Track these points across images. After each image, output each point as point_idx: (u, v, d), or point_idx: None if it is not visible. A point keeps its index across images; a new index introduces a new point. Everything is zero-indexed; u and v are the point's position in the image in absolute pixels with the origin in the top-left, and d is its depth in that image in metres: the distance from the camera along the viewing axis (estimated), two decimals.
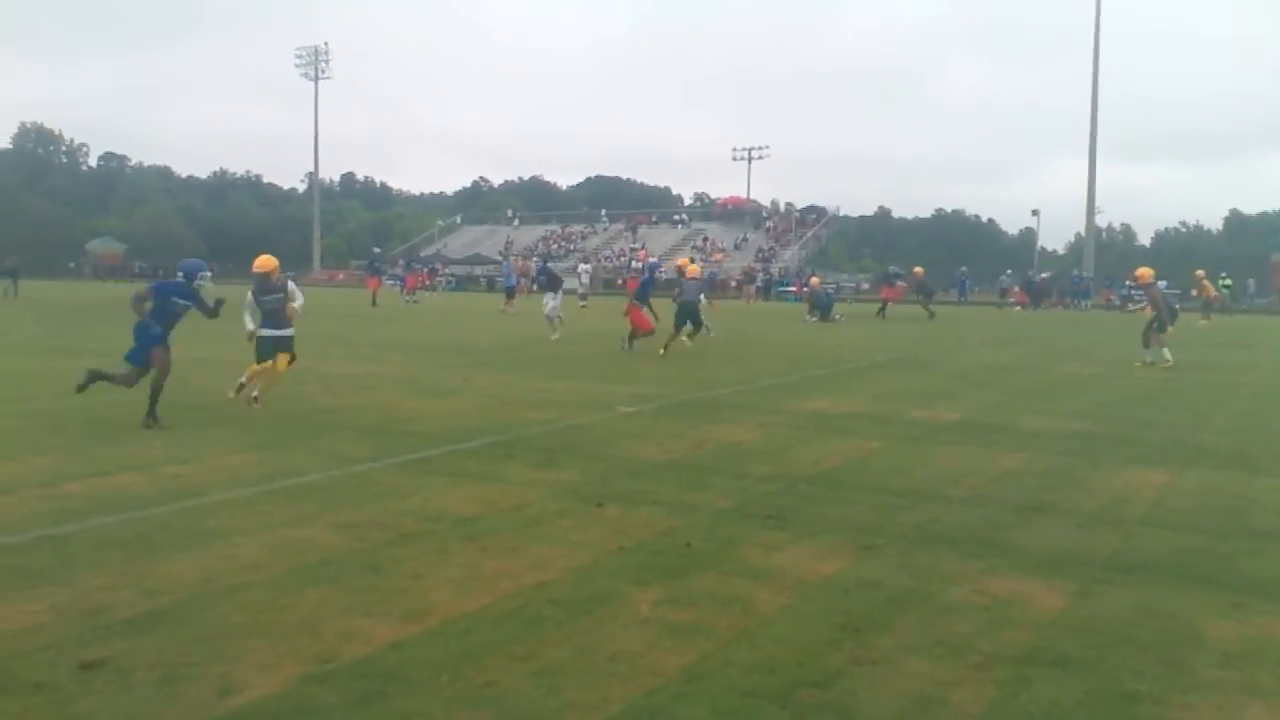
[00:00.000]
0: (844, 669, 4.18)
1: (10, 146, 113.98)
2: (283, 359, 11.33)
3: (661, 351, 18.15)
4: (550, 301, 23.29)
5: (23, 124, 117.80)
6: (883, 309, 36.89)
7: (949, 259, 72.98)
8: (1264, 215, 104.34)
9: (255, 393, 11.44)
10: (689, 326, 19.31)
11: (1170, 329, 18.47)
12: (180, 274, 10.50)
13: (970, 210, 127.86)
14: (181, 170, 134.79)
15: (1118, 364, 18.71)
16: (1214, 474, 8.42)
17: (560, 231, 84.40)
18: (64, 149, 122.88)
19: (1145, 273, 19.11)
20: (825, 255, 76.08)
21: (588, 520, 6.54)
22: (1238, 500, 7.47)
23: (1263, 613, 4.99)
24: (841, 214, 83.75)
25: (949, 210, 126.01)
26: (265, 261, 11.54)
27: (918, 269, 41.77)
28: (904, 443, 9.72)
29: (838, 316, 34.25)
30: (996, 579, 5.43)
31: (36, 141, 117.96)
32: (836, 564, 5.66)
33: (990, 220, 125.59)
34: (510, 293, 36.89)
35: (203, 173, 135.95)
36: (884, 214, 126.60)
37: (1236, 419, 11.90)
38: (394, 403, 11.96)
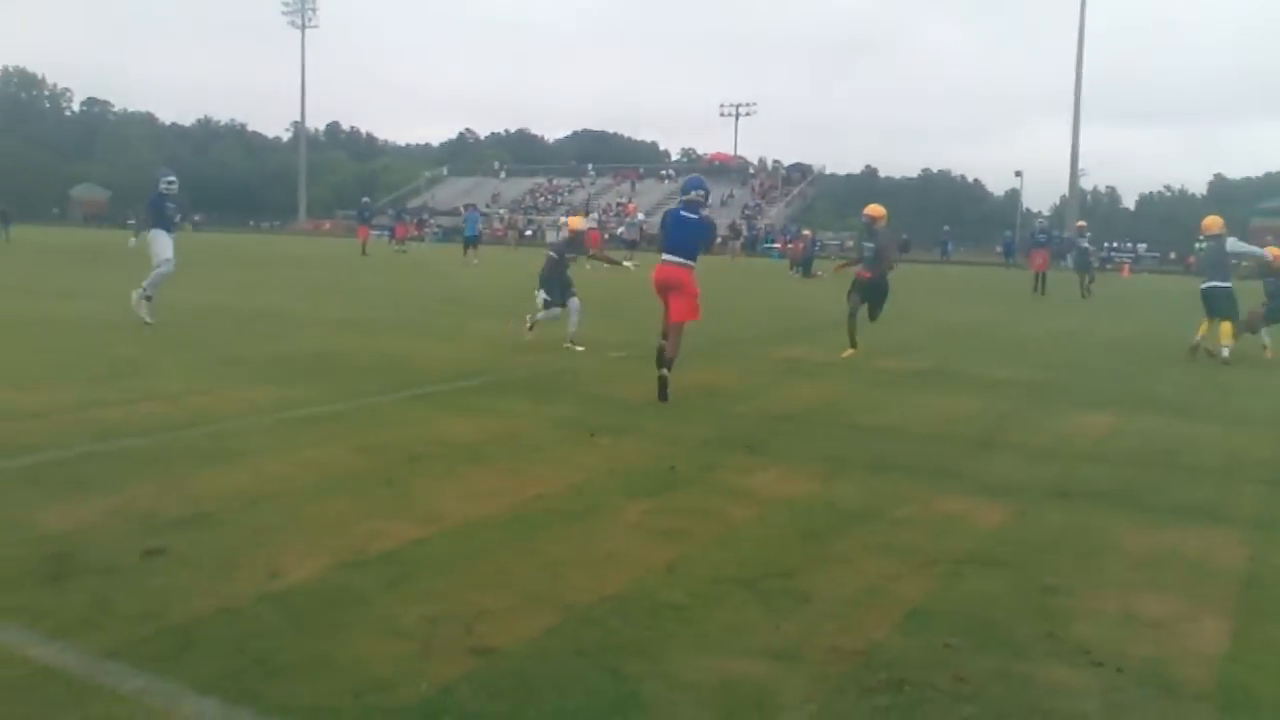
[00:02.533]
0: (803, 565, 4.85)
1: None
2: None
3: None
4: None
5: (4, 68, 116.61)
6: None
7: (936, 219, 73.62)
8: (1247, 180, 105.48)
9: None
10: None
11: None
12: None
13: (957, 171, 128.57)
14: (165, 117, 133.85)
15: (1093, 320, 19.41)
16: (1158, 419, 9.14)
17: (547, 184, 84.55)
18: (47, 94, 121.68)
19: (1214, 221, 14.13)
20: (812, 213, 76.60)
21: (581, 448, 7.18)
22: (1175, 441, 8.17)
23: (1177, 529, 5.68)
24: (828, 172, 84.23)
25: (935, 171, 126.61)
26: None
27: (807, 231, 42.25)
28: (873, 387, 10.42)
29: (819, 273, 34.86)
30: (945, 499, 6.10)
31: (19, 86, 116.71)
32: (804, 486, 6.32)
33: (976, 181, 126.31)
34: (470, 243, 36.77)
35: (187, 121, 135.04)
36: (870, 173, 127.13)
37: (1188, 373, 12.62)
38: (392, 346, 12.55)
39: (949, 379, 11.21)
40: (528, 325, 13.02)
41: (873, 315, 13.21)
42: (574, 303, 12.85)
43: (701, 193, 9.54)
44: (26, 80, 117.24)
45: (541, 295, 13.11)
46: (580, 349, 12.40)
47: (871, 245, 13.01)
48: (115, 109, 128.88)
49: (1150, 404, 9.97)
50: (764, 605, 4.32)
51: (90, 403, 8.15)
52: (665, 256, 9.25)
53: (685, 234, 9.21)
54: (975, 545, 5.26)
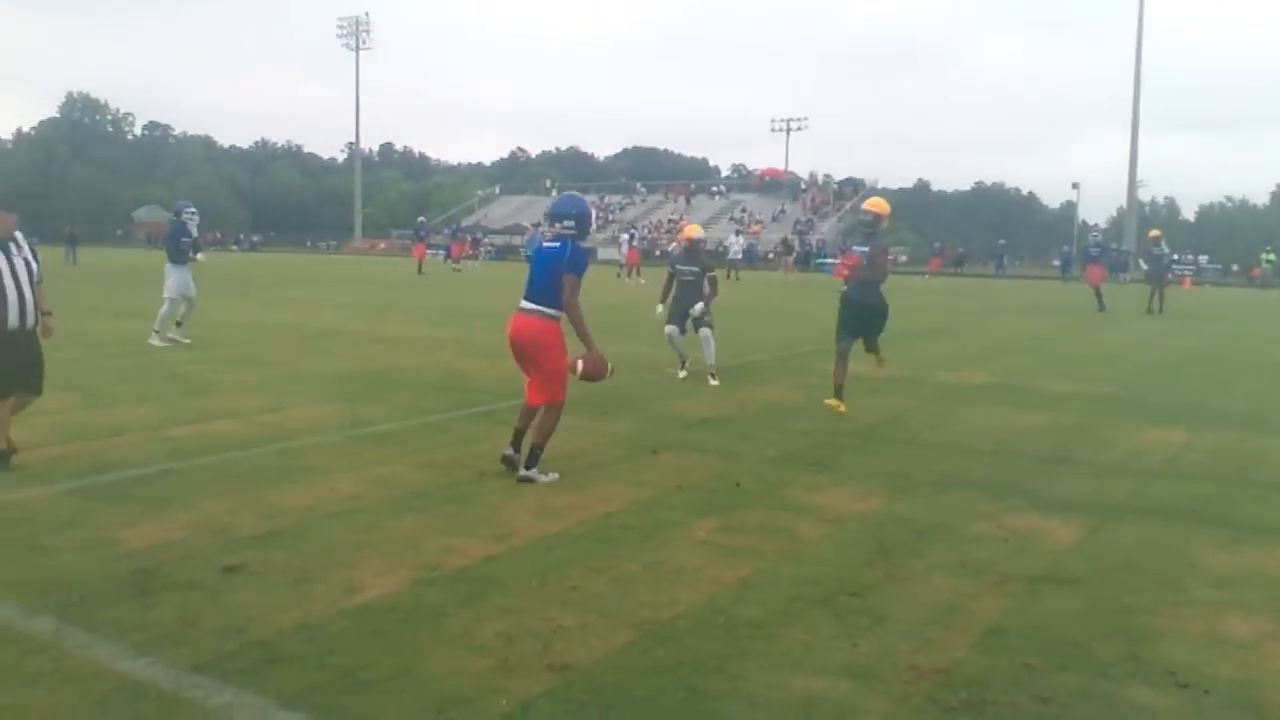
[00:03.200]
0: (878, 583, 4.82)
1: (58, 115, 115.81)
2: None
3: None
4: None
5: (70, 93, 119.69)
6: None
7: (989, 232, 72.84)
8: None
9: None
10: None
11: None
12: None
13: (1010, 183, 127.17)
14: (223, 140, 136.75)
15: (1151, 334, 19.09)
16: (1229, 434, 8.95)
17: (598, 202, 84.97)
18: (109, 118, 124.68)
19: None
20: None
21: (645, 464, 7.21)
22: (1247, 456, 7.99)
23: (1256, 547, 5.56)
24: (880, 186, 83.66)
25: (989, 183, 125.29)
26: None
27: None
28: (934, 402, 10.33)
29: None
30: (1016, 517, 6.03)
31: (83, 111, 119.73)
32: (872, 503, 6.29)
33: (1030, 194, 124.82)
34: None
35: (244, 143, 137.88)
36: (923, 186, 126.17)
37: (1258, 386, 12.35)
38: (453, 363, 12.68)
39: (1011, 394, 11.08)
40: (681, 373, 11.62)
41: (870, 345, 10.20)
42: (705, 333, 11.30)
43: (570, 222, 6.71)
44: (90, 105, 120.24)
45: (672, 329, 11.52)
46: (714, 382, 11.12)
47: (865, 250, 9.77)
48: (175, 132, 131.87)
49: (1221, 419, 9.77)
50: (839, 623, 4.30)
51: (165, 421, 8.34)
52: (521, 304, 6.75)
53: (545, 271, 6.67)
54: (1050, 563, 5.20)
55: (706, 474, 6.94)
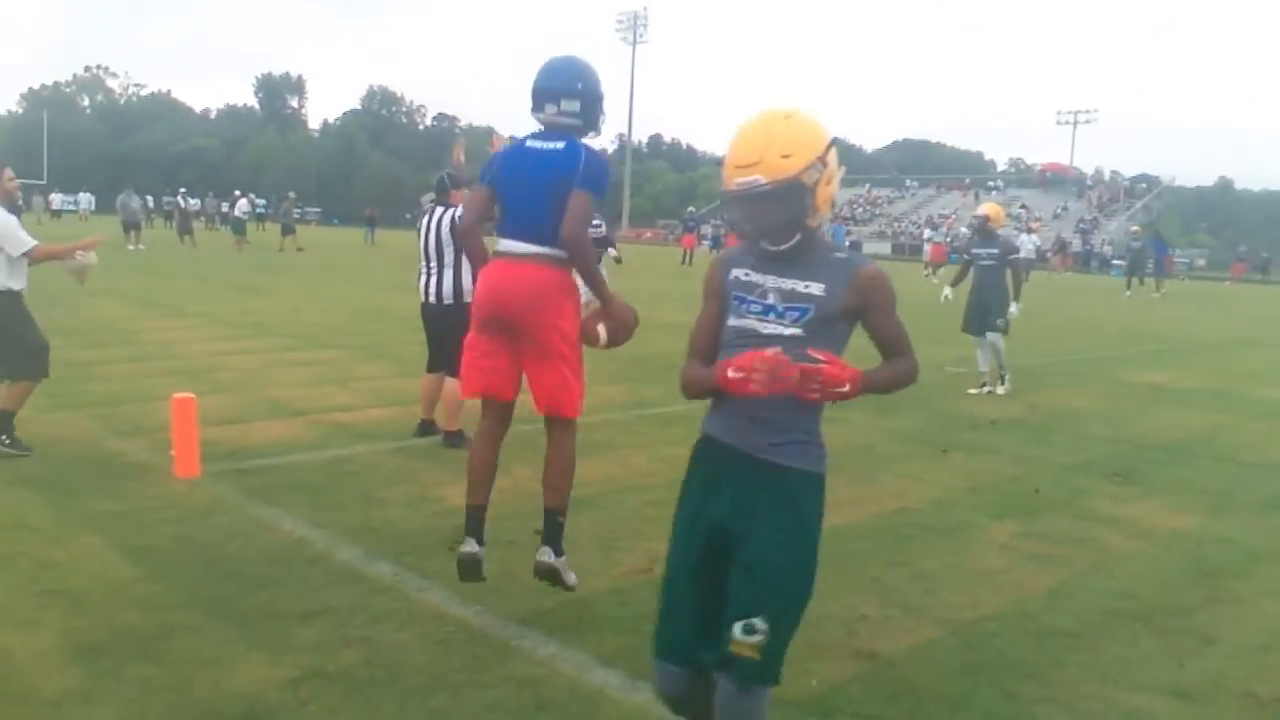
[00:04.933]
0: (1202, 604, 4.52)
1: (359, 108, 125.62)
2: None
3: None
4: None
5: (370, 87, 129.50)
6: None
7: None
8: None
9: None
10: None
11: None
12: None
13: None
14: (505, 130, 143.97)
15: None
16: None
17: (866, 195, 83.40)
18: (404, 110, 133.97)
19: None
20: (1158, 228, 70.68)
21: (935, 463, 7.05)
22: None
23: None
24: (1176, 184, 77.55)
25: None
26: None
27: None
28: (1252, 419, 9.48)
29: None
30: None
31: (381, 103, 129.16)
32: (1188, 520, 5.88)
33: None
34: None
35: (523, 133, 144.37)
36: (1225, 185, 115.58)
37: None
38: None
39: None
40: (991, 387, 10.33)
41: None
42: (994, 337, 10.20)
43: (574, 104, 4.18)
44: (388, 98, 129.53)
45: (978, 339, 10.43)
46: (1001, 390, 10.21)
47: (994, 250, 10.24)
48: (462, 123, 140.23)
49: None
50: (1160, 641, 4.07)
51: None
52: (504, 245, 4.16)
53: (543, 190, 4.06)
54: None
55: (1000, 477, 6.71)
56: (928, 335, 13.85)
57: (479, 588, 4.32)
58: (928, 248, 40.44)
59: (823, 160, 2.52)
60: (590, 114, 4.24)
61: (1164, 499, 6.30)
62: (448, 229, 6.89)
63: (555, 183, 4.02)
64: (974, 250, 10.57)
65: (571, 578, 4.24)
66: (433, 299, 7.00)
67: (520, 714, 3.30)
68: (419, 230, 7.21)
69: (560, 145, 4.09)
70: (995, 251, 10.31)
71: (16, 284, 6.33)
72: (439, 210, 7.07)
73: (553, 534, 4.25)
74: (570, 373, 4.25)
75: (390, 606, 4.16)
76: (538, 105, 4.21)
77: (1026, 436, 8.08)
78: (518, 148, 4.19)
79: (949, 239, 43.94)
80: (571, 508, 5.50)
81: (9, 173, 6.69)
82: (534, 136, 4.18)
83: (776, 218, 2.51)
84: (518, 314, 4.06)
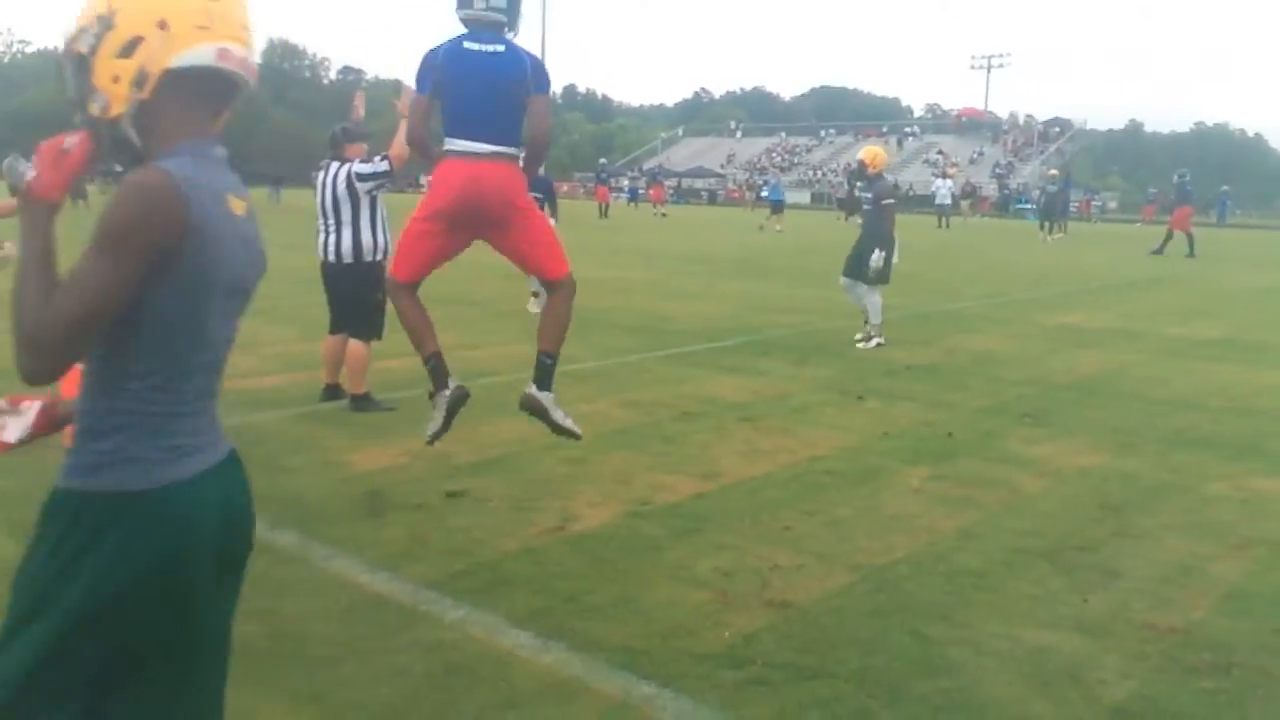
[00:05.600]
0: (1106, 539, 4.60)
1: (260, 62, 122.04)
2: None
3: None
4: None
5: (271, 40, 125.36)
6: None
7: (1212, 178, 67.73)
8: None
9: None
10: None
11: None
12: None
13: (1236, 124, 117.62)
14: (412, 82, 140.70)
15: None
16: None
17: (784, 144, 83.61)
18: (307, 64, 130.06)
19: None
20: (1070, 172, 72.03)
21: (850, 410, 7.09)
22: None
23: None
24: (1088, 127, 79.02)
25: (1211, 124, 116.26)
26: None
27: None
28: (1160, 356, 9.73)
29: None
30: (1257, 479, 5.63)
31: (282, 56, 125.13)
32: (1095, 458, 5.99)
33: (1258, 135, 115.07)
34: (776, 208, 34.01)
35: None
36: (1135, 128, 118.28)
37: None
38: (647, 305, 12.79)
39: (1246, 350, 10.31)
40: (878, 339, 9.83)
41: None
42: (865, 286, 9.86)
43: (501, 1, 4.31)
44: (289, 51, 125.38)
45: (846, 281, 10.22)
46: (871, 344, 9.78)
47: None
48: (368, 77, 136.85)
49: None
50: (1067, 578, 4.13)
51: (376, 354, 8.70)
52: (470, 146, 4.26)
53: (498, 93, 4.27)
54: None
55: (914, 422, 6.77)
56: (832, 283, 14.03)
57: (387, 552, 4.25)
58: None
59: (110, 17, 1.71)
60: (513, 9, 4.39)
61: (1073, 439, 6.41)
62: (344, 185, 6.67)
63: (508, 85, 4.28)
64: (860, 194, 10.41)
65: (560, 416, 4.52)
66: (332, 258, 6.79)
67: (429, 679, 3.22)
68: (316, 187, 6.96)
69: (501, 48, 4.30)
70: (870, 196, 10.15)
71: None
72: (334, 165, 6.83)
73: (541, 376, 4.57)
74: (549, 238, 4.62)
75: (295, 576, 4.04)
76: (464, 2, 4.35)
77: (942, 382, 8.17)
78: (456, 49, 4.32)
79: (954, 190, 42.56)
80: (482, 470, 5.46)
81: None
82: (467, 38, 4.32)
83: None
84: (494, 207, 4.32)
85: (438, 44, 4.37)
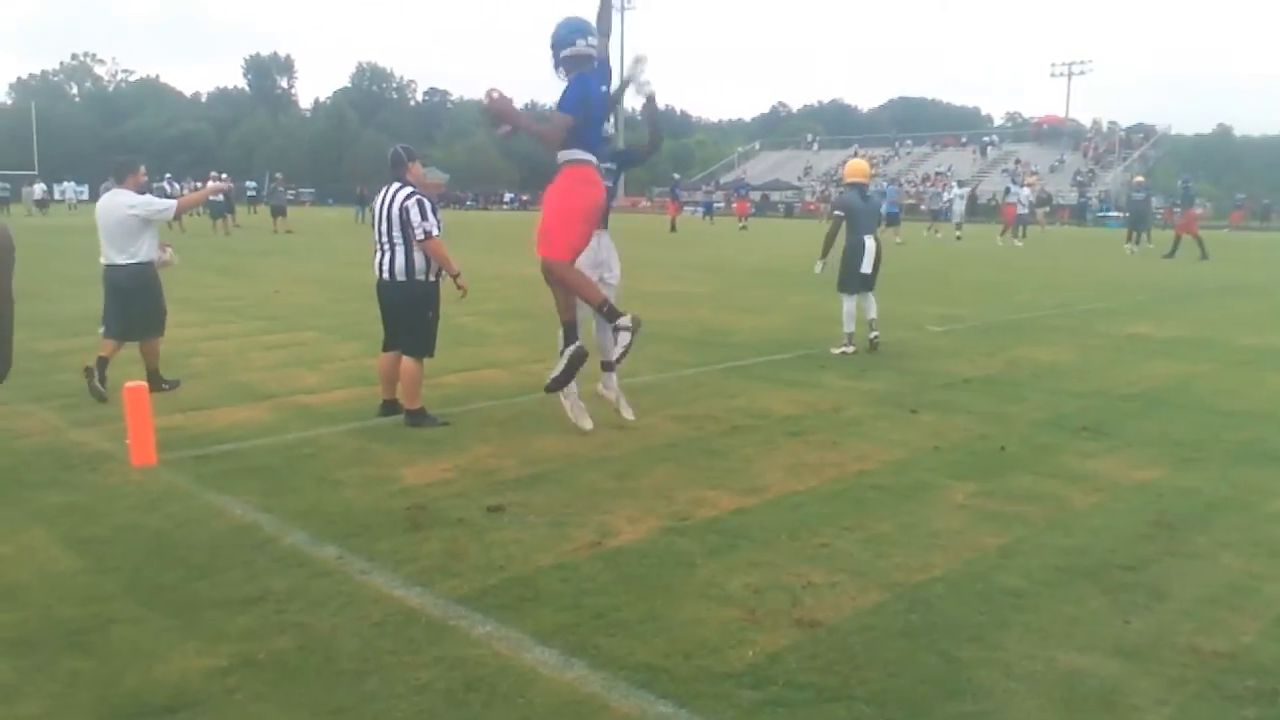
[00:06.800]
0: (1156, 558, 4.46)
1: (349, 85, 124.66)
2: None
3: None
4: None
5: (360, 64, 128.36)
6: None
7: None
8: None
9: None
10: None
11: None
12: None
13: None
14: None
15: None
16: None
17: (860, 156, 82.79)
18: (394, 86, 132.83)
19: None
20: (1153, 179, 70.08)
21: (903, 424, 6.98)
22: None
23: None
24: (1173, 132, 76.86)
25: None
26: None
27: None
28: (1232, 367, 9.41)
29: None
30: None
31: (371, 79, 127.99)
32: (1153, 473, 5.81)
33: None
34: (892, 220, 31.10)
35: (517, 104, 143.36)
36: (1223, 132, 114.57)
37: None
38: (710, 318, 12.77)
39: None
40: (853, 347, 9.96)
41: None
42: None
43: (590, 40, 6.38)
44: (378, 74, 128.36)
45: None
46: (836, 350, 9.93)
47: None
48: (453, 97, 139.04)
49: None
50: (1110, 598, 4.01)
51: (438, 369, 8.81)
52: (586, 155, 6.42)
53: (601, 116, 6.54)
54: None
55: (968, 436, 6.65)
56: (912, 295, 13.84)
57: (423, 566, 4.31)
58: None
59: None
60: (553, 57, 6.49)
61: (1131, 452, 6.24)
62: (398, 209, 6.78)
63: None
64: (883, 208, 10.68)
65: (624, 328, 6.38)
66: (386, 276, 6.91)
67: (448, 695, 3.26)
68: (373, 207, 7.10)
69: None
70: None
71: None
72: (394, 186, 6.96)
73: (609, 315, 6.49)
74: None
75: (332, 589, 4.11)
76: (568, 41, 6.33)
77: (1000, 394, 8.01)
78: (592, 80, 6.28)
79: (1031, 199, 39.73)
80: (526, 485, 5.50)
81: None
82: (584, 73, 6.30)
83: None
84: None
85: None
